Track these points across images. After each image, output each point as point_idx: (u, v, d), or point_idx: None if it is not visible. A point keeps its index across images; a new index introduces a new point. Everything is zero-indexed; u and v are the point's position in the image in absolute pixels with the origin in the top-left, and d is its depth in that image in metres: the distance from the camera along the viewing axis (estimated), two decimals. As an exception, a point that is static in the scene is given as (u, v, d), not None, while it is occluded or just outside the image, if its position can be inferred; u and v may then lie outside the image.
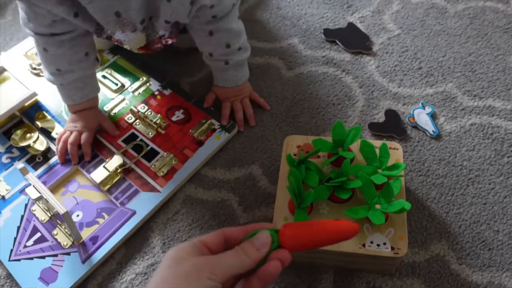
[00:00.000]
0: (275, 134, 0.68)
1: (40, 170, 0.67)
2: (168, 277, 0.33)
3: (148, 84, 0.77)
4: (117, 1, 0.53)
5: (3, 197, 0.64)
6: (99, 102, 0.73)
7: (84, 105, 0.69)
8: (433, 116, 0.67)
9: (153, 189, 0.63)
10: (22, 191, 0.65)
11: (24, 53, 0.84)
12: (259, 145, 0.68)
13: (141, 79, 0.78)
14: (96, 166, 0.66)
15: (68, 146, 0.67)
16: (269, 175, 0.64)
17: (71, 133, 0.68)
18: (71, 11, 0.54)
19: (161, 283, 0.33)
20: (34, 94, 0.74)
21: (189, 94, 0.75)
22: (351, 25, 0.82)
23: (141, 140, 0.69)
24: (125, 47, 0.66)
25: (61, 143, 0.67)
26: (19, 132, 0.71)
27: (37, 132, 0.71)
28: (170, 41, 0.64)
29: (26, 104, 0.74)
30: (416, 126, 0.66)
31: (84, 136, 0.67)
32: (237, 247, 0.36)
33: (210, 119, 0.70)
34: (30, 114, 0.74)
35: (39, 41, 0.62)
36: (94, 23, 0.57)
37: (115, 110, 0.73)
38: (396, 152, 0.56)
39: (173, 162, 0.65)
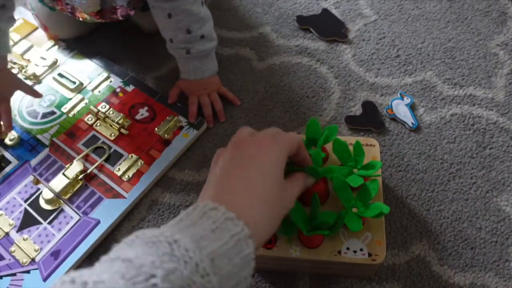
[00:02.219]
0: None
1: None
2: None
3: (109, 80, 0.71)
4: None
5: None
6: (57, 102, 0.67)
7: None
8: (412, 107, 0.64)
9: (117, 195, 0.58)
10: None
11: None
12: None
13: (100, 75, 0.72)
14: (55, 174, 0.61)
15: None
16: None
17: None
18: None
19: None
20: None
21: (153, 90, 0.69)
22: (325, 11, 0.77)
23: (103, 142, 0.64)
24: (76, 14, 0.60)
25: None
26: None
27: None
28: (126, 13, 0.59)
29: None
30: (394, 118, 0.63)
31: (2, 108, 0.63)
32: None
33: (177, 116, 0.65)
34: None
35: None
36: None
37: (74, 111, 0.68)
38: (373, 149, 0.52)
39: (139, 165, 0.61)
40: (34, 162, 0.63)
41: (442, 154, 0.60)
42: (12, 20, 0.63)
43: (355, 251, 0.46)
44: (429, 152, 0.60)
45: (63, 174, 0.60)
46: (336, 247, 0.46)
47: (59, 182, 0.59)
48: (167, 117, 0.65)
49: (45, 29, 0.77)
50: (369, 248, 0.46)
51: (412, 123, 0.62)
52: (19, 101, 0.70)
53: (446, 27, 0.73)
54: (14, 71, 0.74)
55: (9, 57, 0.71)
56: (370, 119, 0.63)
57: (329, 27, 0.75)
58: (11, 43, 0.78)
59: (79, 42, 0.77)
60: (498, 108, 0.63)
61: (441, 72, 0.68)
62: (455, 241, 0.53)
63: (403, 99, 0.64)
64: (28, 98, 0.70)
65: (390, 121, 0.63)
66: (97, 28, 0.78)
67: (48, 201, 0.58)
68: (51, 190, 0.59)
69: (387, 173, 0.58)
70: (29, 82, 0.72)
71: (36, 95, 0.66)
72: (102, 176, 0.60)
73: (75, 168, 0.60)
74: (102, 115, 0.66)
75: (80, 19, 0.68)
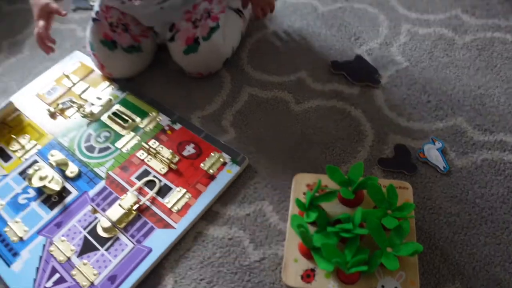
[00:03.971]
0: (285, 170, 0.69)
1: (56, 210, 0.68)
2: None
3: (158, 119, 0.78)
4: None
5: (21, 238, 0.66)
6: (111, 138, 0.75)
7: None
8: (443, 152, 0.67)
9: (167, 226, 0.64)
10: (39, 232, 0.66)
11: (36, 93, 0.87)
12: (269, 181, 0.68)
13: (150, 114, 0.79)
14: (110, 204, 0.67)
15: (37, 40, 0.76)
16: (279, 211, 0.64)
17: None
18: None
19: None
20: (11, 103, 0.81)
21: (199, 128, 0.76)
22: (358, 58, 0.82)
23: (154, 176, 0.70)
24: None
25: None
26: (34, 172, 0.71)
27: (52, 172, 0.72)
28: None
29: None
30: (426, 162, 0.66)
31: (40, 24, 0.74)
32: None
33: (221, 152, 0.71)
34: (44, 153, 0.76)
35: None
36: None
37: (127, 147, 0.75)
38: (406, 191, 0.56)
39: (187, 198, 0.66)
40: (92, 193, 0.70)
41: (474, 198, 0.62)
42: None
43: (390, 290, 0.49)
44: (461, 196, 0.63)
45: (119, 204, 0.66)
46: (372, 284, 0.49)
47: (115, 212, 0.65)
48: (212, 154, 0.71)
49: (101, 67, 0.85)
50: (403, 287, 0.48)
51: (443, 167, 0.65)
52: (78, 137, 0.78)
53: (476, 75, 0.77)
54: (73, 110, 0.82)
55: (68, 96, 0.80)
56: (403, 162, 0.67)
57: (362, 73, 0.80)
58: (69, 83, 0.87)
59: (130, 84, 0.85)
60: (529, 155, 0.66)
61: (472, 118, 0.71)
62: (488, 285, 0.54)
63: (434, 144, 0.68)
64: (87, 133, 0.78)
65: (422, 164, 0.66)
66: (147, 72, 0.86)
67: (105, 230, 0.64)
68: (108, 219, 0.65)
69: (419, 215, 0.61)
70: (86, 120, 0.80)
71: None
72: (153, 208, 0.66)
73: (129, 199, 0.66)
74: (153, 151, 0.72)
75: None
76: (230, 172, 0.68)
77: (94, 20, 0.82)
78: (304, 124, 0.74)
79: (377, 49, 0.84)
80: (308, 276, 0.51)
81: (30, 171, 0.71)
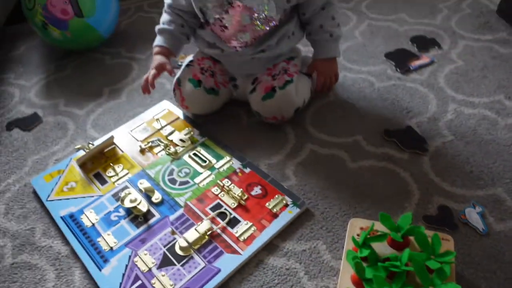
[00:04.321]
0: (339, 216, 0.79)
1: (141, 228, 0.81)
2: None
3: (231, 162, 0.92)
4: None
5: (111, 248, 0.78)
6: (191, 174, 0.89)
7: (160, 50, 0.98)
8: (483, 216, 0.75)
9: (235, 252, 0.75)
10: (126, 244, 0.79)
11: (130, 131, 1.04)
12: (324, 224, 0.78)
13: (225, 158, 0.93)
14: (187, 228, 0.79)
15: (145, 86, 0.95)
16: (332, 251, 0.74)
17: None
18: None
19: None
20: (112, 137, 0.99)
21: (266, 173, 0.89)
22: (409, 128, 0.94)
23: (225, 209, 0.82)
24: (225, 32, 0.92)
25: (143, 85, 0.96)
26: (126, 195, 0.85)
27: (141, 197, 0.86)
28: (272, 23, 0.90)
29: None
30: (467, 223, 0.75)
31: (152, 72, 0.94)
32: None
33: (284, 196, 0.83)
34: (134, 181, 0.91)
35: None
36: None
37: (204, 183, 0.88)
38: (448, 242, 0.65)
39: (252, 230, 0.78)
40: (172, 217, 0.83)
41: (510, 259, 0.69)
42: (187, 40, 1.01)
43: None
44: (498, 256, 0.70)
45: (195, 229, 0.78)
46: (414, 318, 0.57)
47: (191, 234, 0.77)
48: (276, 196, 0.83)
49: (182, 100, 1.02)
50: (442, 322, 0.56)
51: (482, 229, 0.73)
52: (163, 170, 0.93)
53: (516, 153, 0.86)
54: (160, 148, 0.98)
55: (157, 136, 0.97)
56: (445, 221, 0.75)
57: (412, 141, 0.91)
58: (158, 126, 1.04)
59: (210, 131, 1.01)
60: None
61: (510, 190, 0.79)
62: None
63: (475, 208, 0.76)
64: (170, 168, 0.93)
65: (463, 225, 0.75)
66: (225, 122, 1.02)
67: (182, 249, 0.76)
68: (185, 240, 0.77)
69: (458, 268, 0.69)
70: (170, 158, 0.96)
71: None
72: (224, 235, 0.78)
73: (204, 226, 0.79)
74: (226, 188, 0.85)
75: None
76: (291, 213, 0.80)
77: (187, 65, 1.01)
78: (358, 180, 0.85)
79: (425, 122, 0.96)
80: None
81: (123, 194, 0.86)
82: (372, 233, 0.66)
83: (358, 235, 0.68)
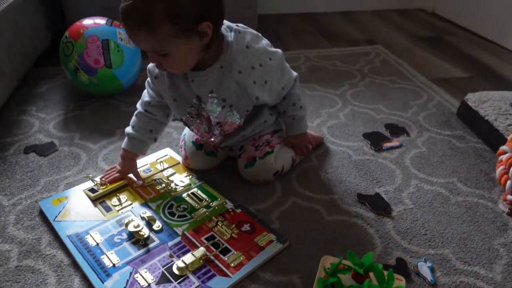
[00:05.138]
0: (313, 256, 0.92)
1: (142, 250, 0.91)
2: None
3: (224, 203, 1.06)
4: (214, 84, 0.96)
5: (114, 265, 0.87)
6: (188, 209, 1.02)
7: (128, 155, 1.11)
8: (432, 269, 0.90)
9: (226, 275, 0.86)
10: (128, 263, 0.88)
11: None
12: (299, 261, 0.91)
13: (219, 199, 1.08)
14: (184, 253, 0.90)
15: (107, 179, 1.10)
16: (305, 284, 0.86)
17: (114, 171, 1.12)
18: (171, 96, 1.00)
19: None
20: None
21: (255, 214, 1.03)
22: (377, 195, 1.12)
23: (218, 240, 0.95)
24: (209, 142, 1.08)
25: (105, 175, 1.12)
26: (130, 221, 0.96)
27: (143, 224, 0.97)
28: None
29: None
30: (418, 274, 0.89)
31: (130, 174, 1.11)
32: None
33: (270, 233, 0.96)
34: (137, 211, 1.02)
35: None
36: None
37: (200, 217, 1.01)
38: (400, 282, 0.79)
39: (241, 259, 0.90)
40: (170, 243, 0.94)
41: (451, 306, 0.83)
42: (154, 141, 1.14)
43: None
44: (442, 302, 0.83)
45: (192, 253, 0.89)
46: (368, 335, 0.69)
47: (188, 258, 0.88)
48: (263, 233, 0.96)
49: (186, 158, 1.18)
50: None
51: (431, 279, 0.87)
52: (163, 204, 1.06)
53: (463, 224, 1.03)
54: (162, 186, 1.12)
55: (159, 176, 1.11)
56: (401, 270, 0.89)
57: (379, 205, 1.08)
58: (161, 167, 1.19)
59: (206, 176, 1.16)
60: (496, 285, 0.87)
61: (456, 252, 0.95)
62: None
63: (426, 262, 0.91)
64: (170, 203, 1.05)
65: (415, 275, 0.89)
66: (220, 170, 1.18)
67: (179, 269, 0.86)
68: (183, 261, 0.87)
69: (409, 309, 0.82)
70: (170, 195, 1.09)
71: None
72: (216, 261, 0.89)
73: (200, 251, 0.90)
74: (220, 223, 0.98)
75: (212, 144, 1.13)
76: (275, 247, 0.93)
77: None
78: (331, 230, 1.00)
79: (391, 191, 1.14)
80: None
81: (126, 220, 0.97)
82: (339, 267, 0.79)
83: (328, 268, 0.81)
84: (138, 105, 1.10)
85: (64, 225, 0.98)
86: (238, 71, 0.93)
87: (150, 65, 1.01)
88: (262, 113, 1.08)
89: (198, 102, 1.00)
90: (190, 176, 1.16)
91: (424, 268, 0.90)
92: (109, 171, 1.12)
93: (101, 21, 1.46)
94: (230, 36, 0.92)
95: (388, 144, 1.34)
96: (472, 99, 1.45)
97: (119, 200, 1.06)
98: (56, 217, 1.00)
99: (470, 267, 0.92)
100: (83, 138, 1.34)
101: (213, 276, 0.86)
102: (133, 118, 1.10)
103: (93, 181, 1.11)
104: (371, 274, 0.78)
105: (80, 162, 1.23)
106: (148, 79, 1.06)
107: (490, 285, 0.88)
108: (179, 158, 1.23)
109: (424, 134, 1.41)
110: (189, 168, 1.19)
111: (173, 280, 0.85)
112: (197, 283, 0.84)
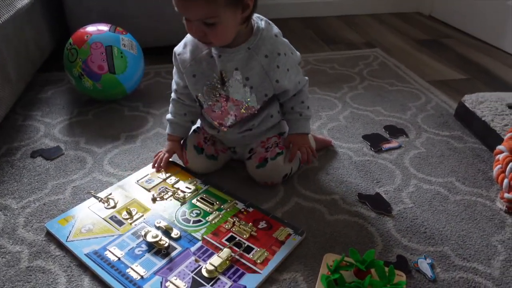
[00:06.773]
0: (315, 255, 0.95)
1: (166, 259, 0.90)
2: None
3: (235, 204, 1.08)
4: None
5: (142, 277, 0.86)
6: (201, 214, 1.04)
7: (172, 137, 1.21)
8: (432, 266, 0.92)
9: (255, 272, 0.88)
10: (155, 273, 0.86)
11: (136, 181, 1.15)
12: (303, 260, 0.94)
13: (229, 201, 1.09)
14: (209, 256, 0.91)
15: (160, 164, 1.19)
16: (308, 282, 0.88)
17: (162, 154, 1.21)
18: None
19: None
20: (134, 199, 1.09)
21: (267, 211, 1.05)
22: (377, 194, 1.14)
23: (239, 240, 0.96)
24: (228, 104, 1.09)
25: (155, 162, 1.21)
26: (147, 232, 0.96)
27: (160, 233, 0.96)
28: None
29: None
30: (418, 270, 0.91)
31: (166, 156, 1.19)
32: None
33: (286, 227, 0.99)
34: (150, 221, 1.01)
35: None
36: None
37: (215, 220, 1.02)
38: (401, 277, 0.81)
39: (265, 254, 0.92)
40: (193, 249, 0.93)
41: (450, 301, 0.85)
42: (192, 123, 1.23)
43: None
44: (441, 297, 0.86)
45: (218, 255, 0.90)
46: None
47: (215, 260, 0.89)
48: (280, 228, 0.99)
49: (186, 161, 1.20)
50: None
51: (430, 275, 0.90)
52: (175, 212, 1.05)
53: (461, 222, 1.06)
54: (169, 194, 1.12)
55: (164, 185, 1.13)
56: (401, 266, 0.92)
57: (379, 205, 1.10)
58: (163, 176, 1.20)
59: (211, 180, 1.18)
60: (494, 281, 0.90)
61: (455, 249, 0.98)
62: None
63: (425, 259, 0.94)
64: (182, 210, 1.06)
65: (415, 271, 0.91)
66: (223, 173, 1.21)
67: (208, 272, 0.86)
68: (211, 264, 0.88)
69: (410, 304, 0.84)
70: (179, 202, 1.09)
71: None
72: (242, 260, 0.91)
73: (225, 253, 0.91)
74: (237, 223, 1.00)
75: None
76: (295, 240, 0.96)
77: (194, 131, 1.21)
78: (333, 229, 1.03)
79: (391, 191, 1.16)
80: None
81: (143, 231, 0.95)
82: (342, 264, 0.82)
83: (330, 265, 0.83)
84: (172, 93, 1.20)
85: (79, 244, 0.95)
86: (265, 55, 1.01)
87: (176, 47, 1.10)
88: (272, 106, 1.12)
89: (219, 79, 1.05)
90: (195, 182, 1.17)
91: (424, 265, 0.92)
92: (156, 157, 1.22)
93: (104, 27, 1.49)
94: (261, 24, 1.03)
95: (388, 145, 1.36)
96: (469, 100, 1.48)
97: (129, 213, 1.03)
98: (67, 237, 0.97)
99: (469, 263, 0.94)
100: (88, 142, 1.37)
101: (243, 274, 0.88)
102: (170, 105, 1.21)
103: (96, 197, 1.09)
104: (373, 271, 0.81)
105: (86, 166, 1.25)
106: (174, 65, 1.12)
107: (488, 280, 0.90)
108: (180, 163, 1.24)
109: (422, 135, 1.44)
110: (189, 172, 1.21)
111: (205, 284, 0.85)
112: (229, 283, 0.86)
